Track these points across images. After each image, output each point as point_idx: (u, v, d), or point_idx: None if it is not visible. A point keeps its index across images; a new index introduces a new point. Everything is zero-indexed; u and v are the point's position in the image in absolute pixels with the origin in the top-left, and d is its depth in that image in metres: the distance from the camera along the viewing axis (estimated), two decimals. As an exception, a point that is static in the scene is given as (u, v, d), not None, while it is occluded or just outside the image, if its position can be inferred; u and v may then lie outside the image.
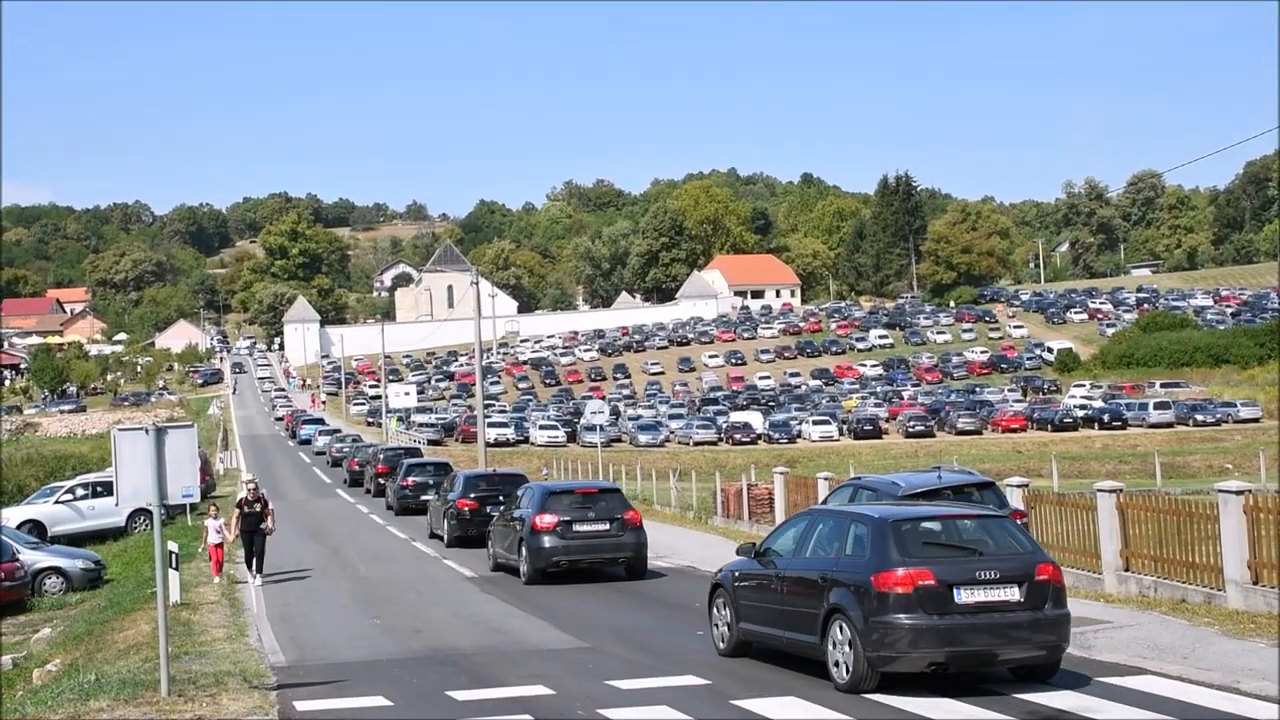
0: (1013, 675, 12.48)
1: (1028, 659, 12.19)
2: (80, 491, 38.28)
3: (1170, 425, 78.02)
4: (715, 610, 14.91)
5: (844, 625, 12.29)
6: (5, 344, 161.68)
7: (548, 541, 22.15)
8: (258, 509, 23.73)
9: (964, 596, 11.93)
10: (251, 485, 24.69)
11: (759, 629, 13.94)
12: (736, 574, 14.55)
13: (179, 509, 35.70)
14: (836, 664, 12.42)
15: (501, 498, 26.59)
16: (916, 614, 11.86)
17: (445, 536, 29.44)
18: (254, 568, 23.61)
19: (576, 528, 22.30)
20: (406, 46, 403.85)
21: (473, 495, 28.73)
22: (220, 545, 23.91)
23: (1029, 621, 11.96)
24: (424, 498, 36.18)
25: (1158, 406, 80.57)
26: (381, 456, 48.76)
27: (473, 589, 22.27)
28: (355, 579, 24.27)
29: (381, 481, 44.91)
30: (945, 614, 11.86)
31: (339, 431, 75.69)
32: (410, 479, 39.22)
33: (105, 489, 34.81)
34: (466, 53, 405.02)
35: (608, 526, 22.41)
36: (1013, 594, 12.00)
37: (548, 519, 22.26)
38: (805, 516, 14.58)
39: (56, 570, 29.12)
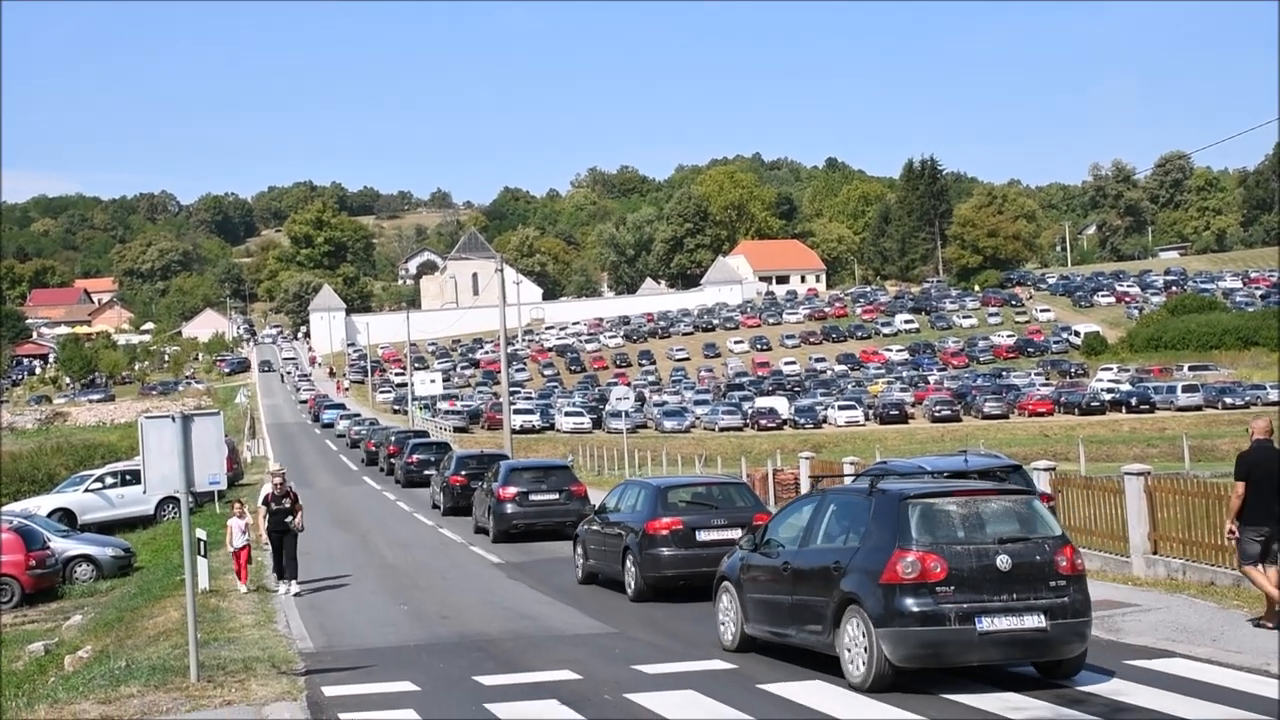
0: None
1: None
2: (109, 480, 38.62)
3: (1199, 408, 77.57)
4: (576, 552, 20.92)
5: (631, 557, 18.42)
6: (34, 334, 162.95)
7: (509, 508, 26.79)
8: (286, 505, 20.91)
9: (702, 536, 17.95)
10: (279, 479, 21.67)
11: (596, 564, 19.99)
12: (586, 527, 20.67)
13: (207, 496, 35.94)
14: (628, 584, 18.53)
15: (487, 475, 29.72)
16: (671, 548, 18.02)
17: (441, 507, 34.17)
18: (285, 574, 20.84)
19: (532, 497, 26.97)
20: (430, 35, 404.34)
21: (463, 472, 33.36)
22: (246, 548, 21.25)
23: None
24: (426, 473, 41.05)
25: (1186, 389, 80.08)
26: (393, 438, 52.89)
27: (500, 575, 22.34)
28: (383, 566, 24.34)
29: (393, 461, 49.08)
30: (690, 548, 17.92)
31: (358, 415, 79.00)
32: (415, 456, 44.55)
33: (134, 477, 35.12)
34: (490, 40, 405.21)
35: (558, 496, 27.10)
36: (736, 534, 16.95)
37: (510, 490, 26.95)
38: (622, 486, 21.08)
39: (87, 558, 29.42)
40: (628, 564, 18.55)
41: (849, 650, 11.74)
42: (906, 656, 11.31)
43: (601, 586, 19.62)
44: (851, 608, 11.65)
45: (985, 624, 11.19)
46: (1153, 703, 10.61)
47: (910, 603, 11.20)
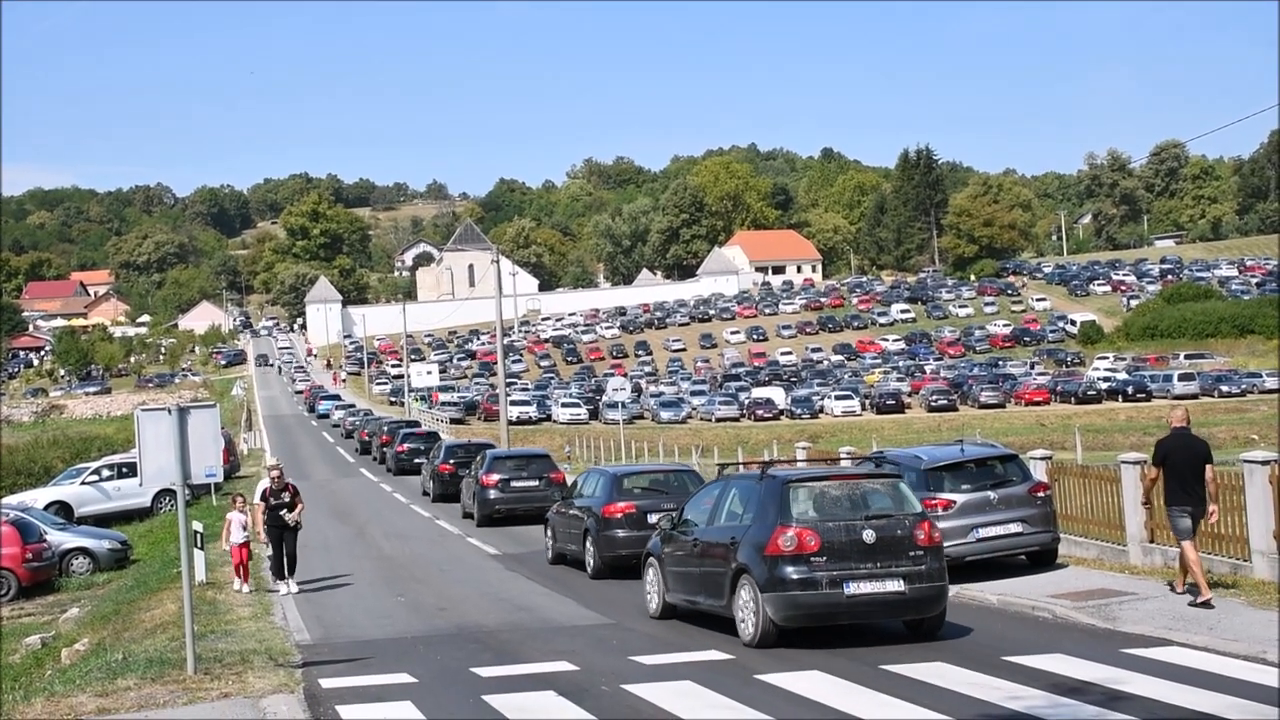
0: None
1: None
2: (106, 472, 38.53)
3: (1195, 396, 77.45)
4: (546, 535, 22.68)
5: (590, 538, 20.21)
6: (30, 327, 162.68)
7: (491, 494, 28.69)
8: (285, 499, 20.06)
9: (653, 519, 18.81)
10: (276, 473, 20.72)
11: (564, 545, 21.66)
12: (555, 511, 22.56)
13: (203, 489, 35.88)
14: (588, 563, 20.37)
15: (474, 463, 31.49)
16: (625, 530, 19.85)
17: (431, 493, 35.93)
18: (286, 572, 20.06)
19: (513, 484, 28.90)
20: (426, 27, 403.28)
21: (451, 461, 35.22)
22: (246, 544, 20.27)
23: None
24: (416, 461, 42.65)
25: (1182, 378, 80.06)
26: (385, 428, 54.21)
27: (497, 567, 22.36)
28: (380, 558, 24.33)
29: (385, 450, 50.38)
30: (641, 529, 19.15)
31: (352, 406, 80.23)
32: (405, 445, 46.18)
33: (130, 470, 35.04)
34: (485, 32, 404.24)
35: (537, 483, 28.93)
36: None
37: (493, 477, 28.83)
38: (585, 473, 23.52)
39: (83, 551, 29.35)
40: (587, 544, 20.39)
41: (741, 613, 13.64)
42: (786, 617, 13.19)
43: (605, 579, 19.95)
44: (744, 576, 13.56)
45: (852, 588, 13.15)
46: (1151, 691, 10.59)
47: (789, 571, 13.13)
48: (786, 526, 13.26)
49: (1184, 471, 14.35)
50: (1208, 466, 14.46)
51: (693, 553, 14.86)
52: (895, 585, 13.21)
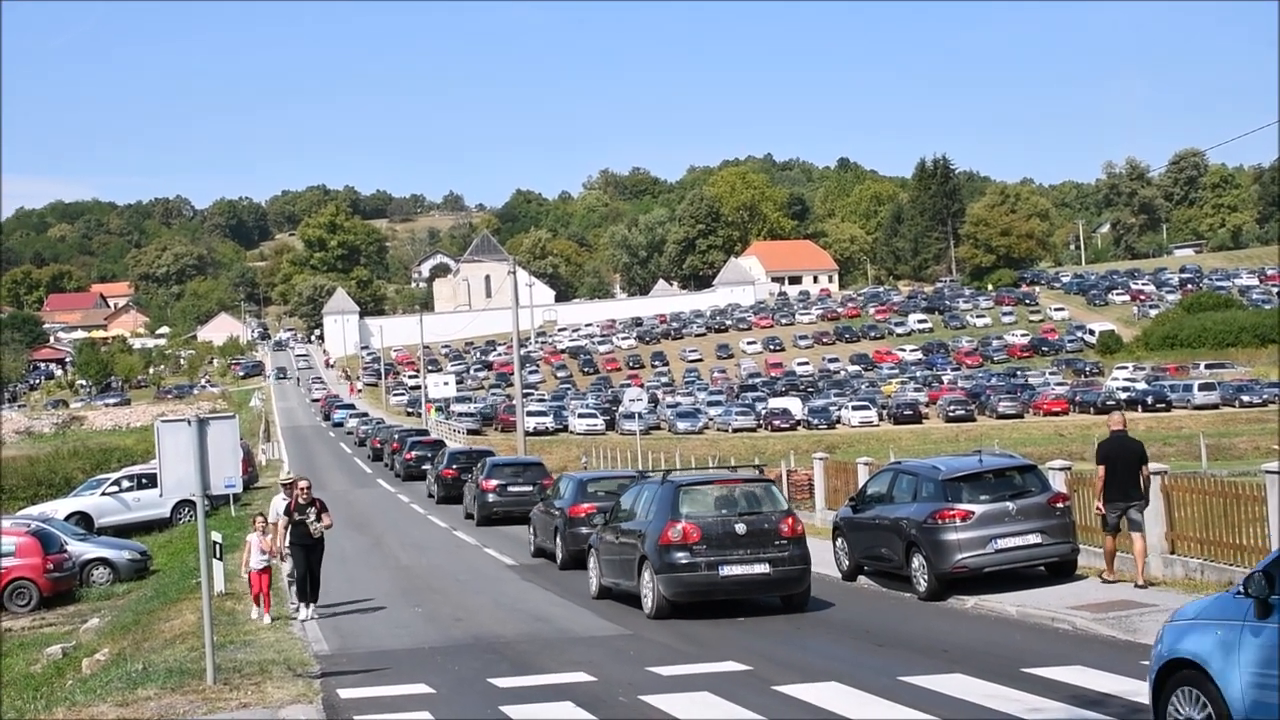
0: None
1: None
2: (126, 483, 38.74)
3: (1215, 406, 77.04)
4: (529, 532, 25.48)
5: (560, 534, 23.00)
6: (52, 338, 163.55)
7: (490, 497, 31.88)
8: (311, 515, 18.21)
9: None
10: (304, 485, 18.70)
11: (542, 541, 24.34)
12: (535, 512, 25.42)
13: (222, 500, 36.00)
14: (557, 556, 23.03)
15: (475, 469, 34.41)
16: (587, 527, 21.70)
17: (435, 496, 39.25)
18: (307, 595, 18.36)
19: (510, 489, 31.92)
20: (442, 37, 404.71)
21: (454, 466, 38.64)
22: (266, 570, 18.51)
23: None
24: (423, 467, 46.11)
25: (1202, 388, 79.52)
26: (396, 436, 57.32)
27: (513, 577, 22.37)
28: (397, 569, 24.37)
29: (394, 457, 53.68)
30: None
31: (366, 415, 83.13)
32: (412, 453, 49.72)
33: (150, 481, 35.23)
34: (501, 42, 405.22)
35: (531, 488, 31.32)
36: None
37: (491, 482, 32.06)
38: (561, 478, 26.65)
39: (104, 561, 29.49)
40: (557, 540, 23.09)
41: (644, 591, 16.88)
42: (675, 594, 16.41)
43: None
44: (645, 562, 16.76)
45: (726, 570, 16.37)
46: (1170, 703, 10.51)
47: (677, 556, 16.34)
48: (676, 521, 16.46)
49: (1121, 471, 15.92)
50: (1143, 466, 16.03)
51: (617, 543, 17.98)
52: (762, 568, 16.40)
